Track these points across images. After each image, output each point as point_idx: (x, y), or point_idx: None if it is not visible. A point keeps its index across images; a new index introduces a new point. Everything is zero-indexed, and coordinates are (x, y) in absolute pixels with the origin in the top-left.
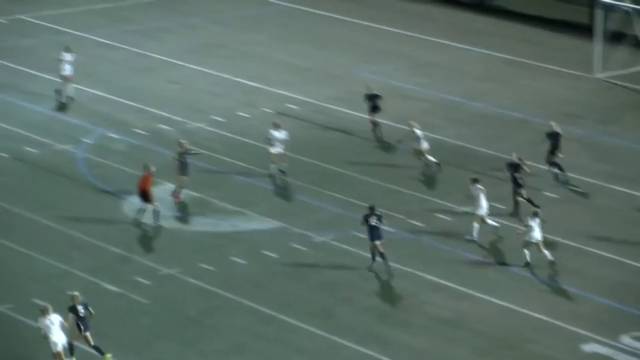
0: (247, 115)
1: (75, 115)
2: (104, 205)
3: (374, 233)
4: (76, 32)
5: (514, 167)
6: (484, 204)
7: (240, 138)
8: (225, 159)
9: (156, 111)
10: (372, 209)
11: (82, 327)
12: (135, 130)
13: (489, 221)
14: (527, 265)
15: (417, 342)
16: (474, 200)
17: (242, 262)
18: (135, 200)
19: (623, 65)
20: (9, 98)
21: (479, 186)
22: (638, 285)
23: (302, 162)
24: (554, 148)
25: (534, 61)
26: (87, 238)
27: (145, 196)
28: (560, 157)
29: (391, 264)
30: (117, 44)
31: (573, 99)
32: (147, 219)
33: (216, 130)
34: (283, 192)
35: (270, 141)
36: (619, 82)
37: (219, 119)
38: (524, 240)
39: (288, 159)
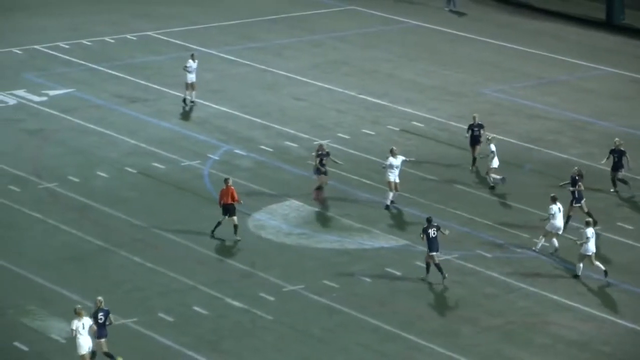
0: (371, 133)
1: (202, 131)
2: (228, 221)
3: (432, 244)
4: (202, 49)
5: (573, 181)
6: (558, 223)
7: (364, 155)
8: (350, 176)
9: (281, 128)
10: (429, 221)
11: (98, 333)
12: (261, 146)
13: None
14: (575, 277)
15: None
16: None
17: (367, 279)
18: (260, 216)
19: None
20: (137, 114)
21: (558, 205)
22: None
23: (426, 180)
24: (618, 166)
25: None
26: (212, 253)
27: (226, 209)
28: (622, 174)
29: (514, 282)
30: (243, 61)
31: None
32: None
33: (341, 147)
34: (408, 209)
35: (387, 168)
36: None
37: (343, 136)
38: (580, 253)
39: (400, 187)
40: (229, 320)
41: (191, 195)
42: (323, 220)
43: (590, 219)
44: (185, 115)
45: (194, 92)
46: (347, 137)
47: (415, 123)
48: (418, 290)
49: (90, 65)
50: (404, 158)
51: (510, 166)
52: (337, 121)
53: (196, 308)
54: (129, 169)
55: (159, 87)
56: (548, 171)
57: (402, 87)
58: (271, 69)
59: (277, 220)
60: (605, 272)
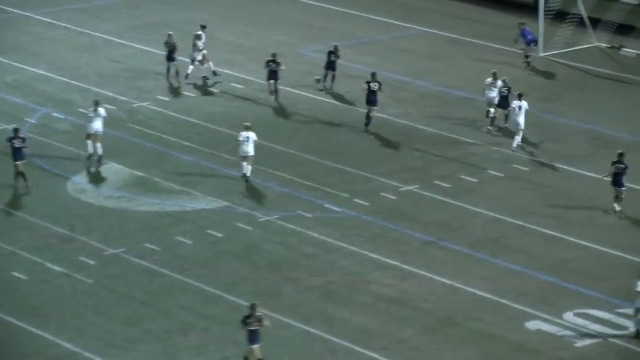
0: (191, 95)
1: (19, 95)
2: (48, 185)
3: None
4: (20, 12)
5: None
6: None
7: (184, 117)
8: (171, 138)
9: (100, 90)
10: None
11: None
12: (80, 110)
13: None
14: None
15: (362, 321)
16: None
17: (188, 242)
18: (79, 180)
19: (566, 45)
20: None
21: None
22: (580, 263)
23: None
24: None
25: (477, 40)
26: (32, 218)
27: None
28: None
29: (335, 242)
30: (61, 23)
31: (517, 77)
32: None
33: (161, 110)
34: (228, 171)
35: (240, 142)
36: (562, 61)
37: (163, 98)
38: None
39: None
40: (49, 285)
41: (8, 159)
42: (143, 183)
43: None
44: (1, 78)
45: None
46: (166, 99)
47: (235, 85)
48: (240, 252)
49: None
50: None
51: (330, 126)
52: (157, 84)
53: (15, 274)
54: None
55: None
56: (367, 131)
57: (223, 49)
58: (89, 32)
59: (97, 183)
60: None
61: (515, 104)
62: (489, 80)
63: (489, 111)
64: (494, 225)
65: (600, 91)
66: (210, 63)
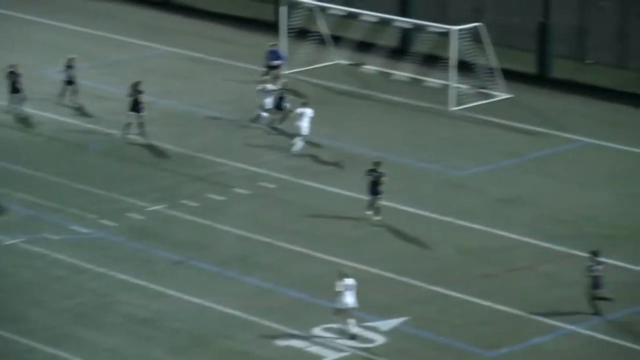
0: None
1: None
2: None
3: None
4: None
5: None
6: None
7: None
8: None
9: None
10: None
11: None
12: None
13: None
14: None
15: (112, 342)
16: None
17: None
18: None
19: (309, 62)
20: None
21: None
22: (329, 278)
23: None
24: None
25: (222, 59)
26: None
27: None
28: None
29: (83, 263)
30: None
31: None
32: None
33: None
34: None
35: None
36: (306, 78)
37: None
38: None
39: None
40: None
41: None
42: None
43: None
44: None
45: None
46: None
47: None
48: None
49: None
50: None
51: (75, 148)
52: None
53: None
54: None
55: None
56: (113, 151)
57: None
58: None
59: None
60: None
61: (299, 110)
62: (267, 86)
63: (259, 115)
64: (242, 243)
65: (343, 107)
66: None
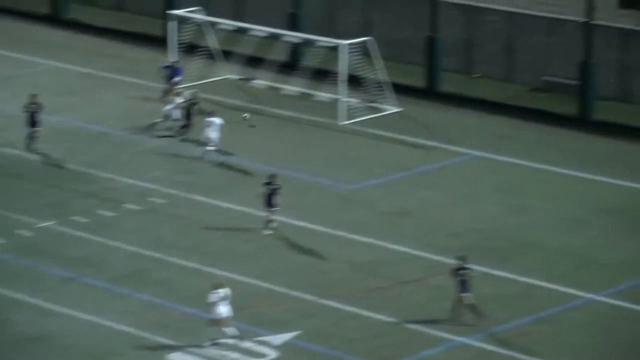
0: None
1: None
2: None
3: None
4: None
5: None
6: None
7: None
8: None
9: None
10: None
11: None
12: None
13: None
14: None
15: None
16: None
17: None
18: None
19: (199, 77)
20: None
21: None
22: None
23: None
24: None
25: (112, 74)
26: None
27: None
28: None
29: None
30: None
31: (152, 110)
32: None
33: None
34: None
35: None
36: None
37: None
38: None
39: None
40: None
41: None
42: None
43: None
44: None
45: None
46: None
47: None
48: None
49: None
50: None
51: None
52: None
53: None
54: None
55: None
56: (1, 168)
57: None
58: None
59: None
60: None
61: (208, 120)
62: (176, 99)
63: (154, 123)
64: (133, 259)
65: (233, 122)
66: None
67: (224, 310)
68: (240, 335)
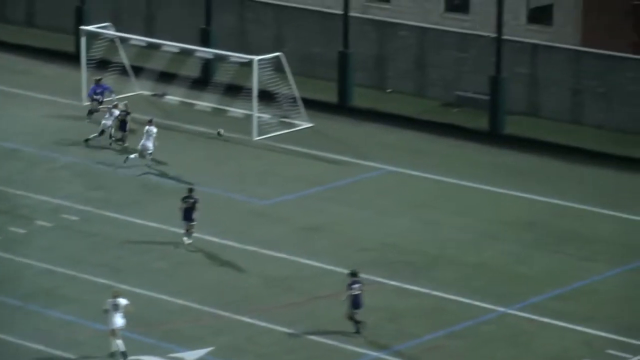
0: None
1: None
2: None
3: None
4: None
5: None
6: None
7: None
8: None
9: None
10: None
11: None
12: None
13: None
14: None
15: None
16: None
17: None
18: None
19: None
20: None
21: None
22: (134, 310)
23: None
24: None
25: (22, 90)
26: None
27: None
28: None
29: None
30: None
31: (64, 127)
32: None
33: None
34: None
35: None
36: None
37: None
38: None
39: None
40: None
41: None
42: None
43: None
44: None
45: None
46: None
47: None
48: None
49: None
50: None
51: None
52: None
53: None
54: None
55: None
56: None
57: None
58: None
59: None
60: None
61: (146, 128)
62: (114, 111)
63: (101, 133)
64: (45, 276)
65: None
66: None
67: (117, 321)
68: (127, 353)
